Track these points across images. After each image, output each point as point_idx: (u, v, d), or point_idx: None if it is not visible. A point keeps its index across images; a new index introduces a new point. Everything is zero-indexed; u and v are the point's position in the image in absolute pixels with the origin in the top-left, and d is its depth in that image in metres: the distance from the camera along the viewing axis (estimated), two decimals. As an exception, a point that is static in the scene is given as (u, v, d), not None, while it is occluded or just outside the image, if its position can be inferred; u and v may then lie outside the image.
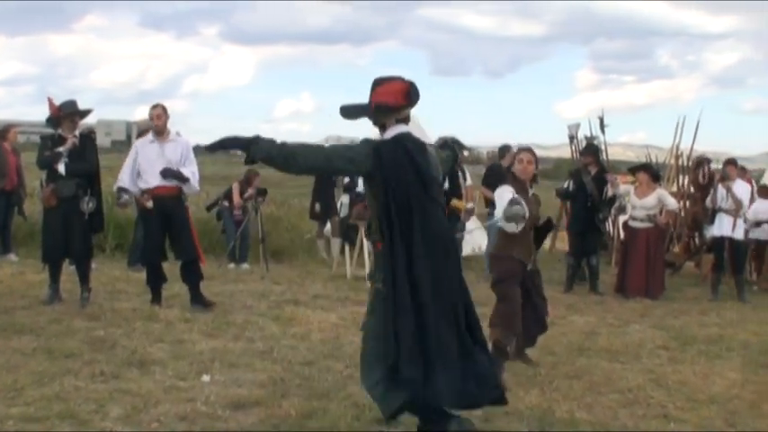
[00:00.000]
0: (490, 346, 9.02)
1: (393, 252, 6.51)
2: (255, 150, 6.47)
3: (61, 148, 11.59)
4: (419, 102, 6.92)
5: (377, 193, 6.62)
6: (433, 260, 6.57)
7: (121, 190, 12.07)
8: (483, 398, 6.81)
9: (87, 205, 11.66)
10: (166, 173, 11.83)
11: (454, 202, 14.76)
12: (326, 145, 7.18)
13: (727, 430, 7.76)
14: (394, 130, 6.80)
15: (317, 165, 6.67)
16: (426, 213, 6.61)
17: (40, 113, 12.25)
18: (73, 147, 11.60)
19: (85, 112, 12.14)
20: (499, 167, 16.69)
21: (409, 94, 6.77)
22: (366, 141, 6.72)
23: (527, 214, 8.79)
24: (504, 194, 9.02)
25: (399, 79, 6.80)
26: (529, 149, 9.45)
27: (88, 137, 12.08)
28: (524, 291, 9.31)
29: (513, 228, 8.78)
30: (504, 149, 17.21)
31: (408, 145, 6.74)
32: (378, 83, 6.82)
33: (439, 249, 6.63)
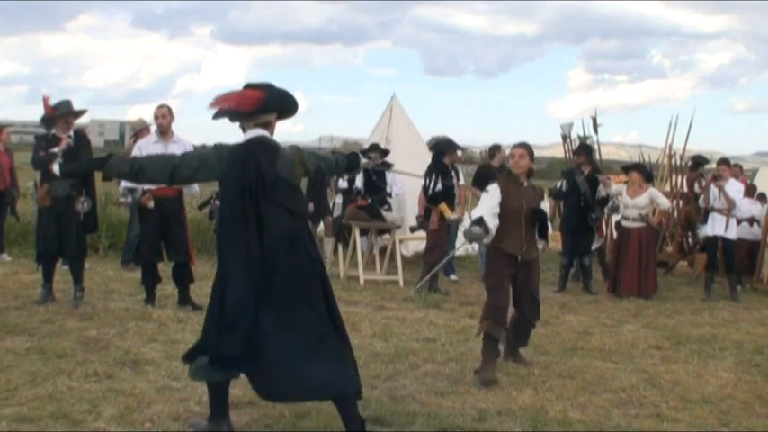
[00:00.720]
0: (481, 339, 9.11)
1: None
2: (109, 168, 6.95)
3: (56, 149, 11.56)
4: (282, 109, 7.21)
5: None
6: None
7: (130, 190, 12.10)
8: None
9: (82, 205, 11.65)
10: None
11: (443, 206, 14.76)
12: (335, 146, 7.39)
13: (721, 430, 7.79)
14: (249, 134, 7.04)
15: (165, 176, 6.95)
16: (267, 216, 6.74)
17: (33, 113, 12.35)
18: (67, 147, 11.59)
19: (80, 113, 12.13)
20: (489, 167, 16.75)
21: (262, 101, 6.93)
22: (218, 147, 7.03)
23: (490, 233, 9.14)
24: (484, 199, 9.36)
25: (260, 87, 7.05)
26: (522, 144, 9.59)
27: (83, 137, 12.08)
28: (516, 287, 9.39)
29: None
30: (494, 149, 17.28)
31: (255, 147, 6.91)
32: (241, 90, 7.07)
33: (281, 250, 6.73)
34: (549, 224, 9.89)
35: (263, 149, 6.89)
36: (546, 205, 9.77)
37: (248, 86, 7.05)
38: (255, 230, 6.62)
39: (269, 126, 7.07)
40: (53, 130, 11.82)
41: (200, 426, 7.02)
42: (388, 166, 15.91)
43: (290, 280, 6.66)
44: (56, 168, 11.47)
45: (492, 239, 9.28)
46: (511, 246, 9.25)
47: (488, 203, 9.28)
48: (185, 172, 6.84)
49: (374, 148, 17.00)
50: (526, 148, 9.55)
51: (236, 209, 6.68)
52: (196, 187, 12.44)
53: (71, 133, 11.81)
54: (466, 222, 15.89)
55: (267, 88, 7.02)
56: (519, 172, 9.44)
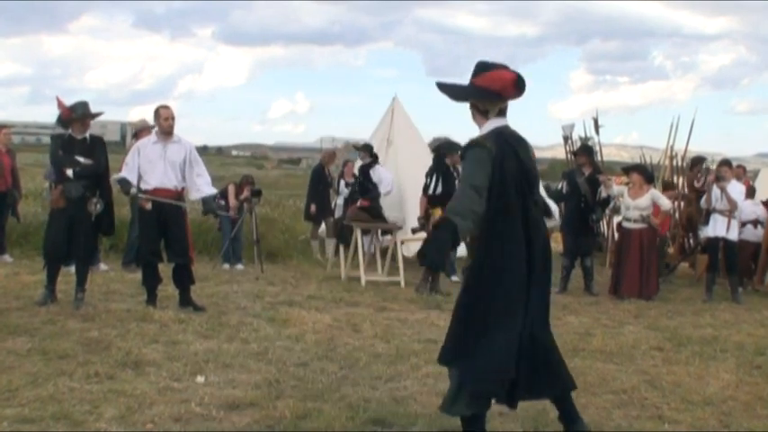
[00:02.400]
0: None
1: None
2: None
3: (81, 159, 11.58)
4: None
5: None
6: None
7: (126, 182, 12.05)
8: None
9: (95, 207, 11.63)
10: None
11: (438, 211, 14.76)
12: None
13: (722, 431, 7.77)
14: (494, 123, 6.67)
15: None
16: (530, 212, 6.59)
17: (35, 114, 12.46)
18: (86, 163, 11.62)
19: (96, 114, 12.15)
20: None
21: (516, 84, 6.62)
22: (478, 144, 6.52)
23: None
24: None
25: (505, 68, 6.69)
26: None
27: (99, 138, 12.10)
28: None
29: None
30: None
31: (510, 140, 6.62)
32: (484, 68, 6.71)
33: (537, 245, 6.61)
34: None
35: (517, 141, 6.68)
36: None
37: (482, 64, 6.73)
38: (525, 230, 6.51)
39: (505, 113, 6.77)
40: (69, 131, 11.84)
41: None
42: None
43: (543, 283, 6.85)
44: (69, 171, 11.54)
45: None
46: None
47: None
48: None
49: (364, 147, 17.05)
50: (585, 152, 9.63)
51: (509, 206, 6.45)
52: (211, 189, 12.42)
53: (87, 135, 11.83)
54: None
55: (508, 68, 6.70)
56: None
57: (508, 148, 6.50)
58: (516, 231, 6.44)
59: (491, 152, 6.38)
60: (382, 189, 17.19)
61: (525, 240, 6.49)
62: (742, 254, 16.37)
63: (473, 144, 6.52)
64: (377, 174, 17.26)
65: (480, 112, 6.69)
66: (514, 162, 6.49)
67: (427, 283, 14.55)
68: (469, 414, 6.66)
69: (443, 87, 6.87)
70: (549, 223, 9.24)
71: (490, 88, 6.58)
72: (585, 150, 16.94)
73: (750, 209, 16.76)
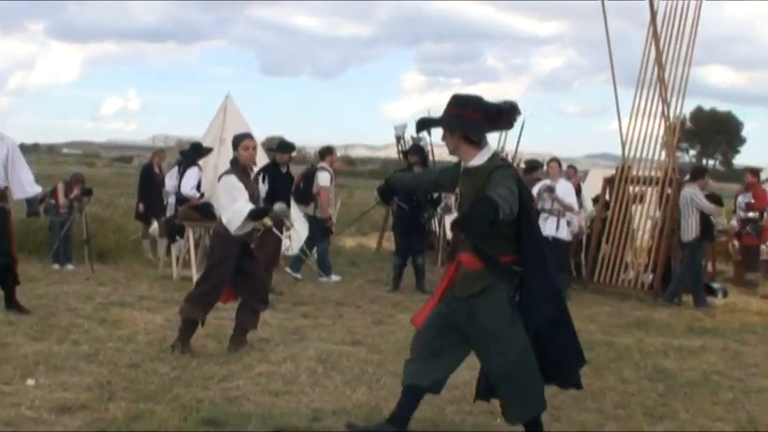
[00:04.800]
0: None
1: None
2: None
3: None
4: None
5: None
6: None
7: None
8: None
9: None
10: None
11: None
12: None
13: (553, 425, 7.93)
14: (489, 151, 6.95)
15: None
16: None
17: None
18: None
19: None
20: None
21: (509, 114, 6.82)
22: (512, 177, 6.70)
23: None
24: None
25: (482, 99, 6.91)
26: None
27: None
28: None
29: None
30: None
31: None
32: (460, 100, 6.93)
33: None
34: None
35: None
36: None
37: (456, 97, 6.95)
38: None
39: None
40: None
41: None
42: None
43: None
44: None
45: None
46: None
47: None
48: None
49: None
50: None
51: (535, 224, 7.17)
52: (35, 188, 12.17)
53: None
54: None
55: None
56: None
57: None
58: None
59: (514, 175, 6.72)
60: (181, 189, 16.89)
61: None
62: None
63: (501, 166, 6.76)
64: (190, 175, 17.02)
65: (472, 143, 6.86)
66: (524, 187, 6.79)
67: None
68: None
69: (426, 122, 7.16)
70: None
71: (478, 117, 6.77)
72: (417, 150, 17.14)
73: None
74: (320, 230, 16.97)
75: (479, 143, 6.84)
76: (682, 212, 16.33)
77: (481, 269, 6.82)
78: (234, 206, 9.89)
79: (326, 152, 17.40)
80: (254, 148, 10.32)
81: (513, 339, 6.72)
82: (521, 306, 6.75)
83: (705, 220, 16.32)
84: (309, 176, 17.02)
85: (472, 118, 6.77)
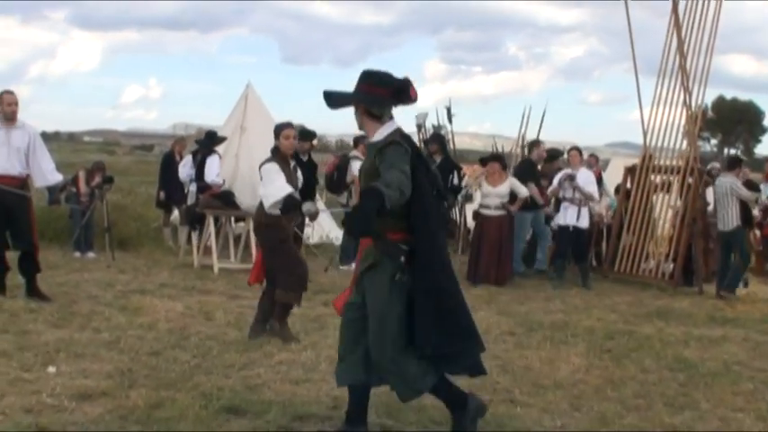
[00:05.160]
0: None
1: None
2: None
3: None
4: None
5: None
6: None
7: None
8: None
9: None
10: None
11: None
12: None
13: (573, 414, 7.95)
14: (392, 126, 6.87)
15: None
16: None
17: None
18: None
19: None
20: (530, 162, 17.36)
21: (410, 89, 6.85)
22: (396, 149, 6.63)
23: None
24: None
25: (391, 75, 6.91)
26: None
27: None
28: None
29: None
30: (533, 144, 17.62)
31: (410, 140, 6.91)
32: (373, 75, 6.89)
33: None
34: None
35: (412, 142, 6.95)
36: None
37: (369, 72, 6.92)
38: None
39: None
40: None
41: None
42: None
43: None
44: None
45: None
46: None
47: None
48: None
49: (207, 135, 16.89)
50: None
51: (428, 201, 6.73)
52: (57, 176, 12.24)
53: None
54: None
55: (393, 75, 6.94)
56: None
57: (412, 149, 6.76)
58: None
59: (408, 151, 6.63)
60: (205, 178, 16.84)
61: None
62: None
63: (392, 143, 6.64)
64: (209, 164, 16.93)
65: (374, 118, 6.83)
66: (421, 163, 6.78)
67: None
68: None
69: (331, 95, 7.00)
70: None
71: (385, 93, 6.79)
72: (437, 139, 17.16)
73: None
74: None
75: (381, 118, 6.80)
76: (720, 203, 16.23)
77: (371, 245, 6.78)
78: (275, 183, 10.01)
79: (360, 140, 17.36)
80: (295, 137, 10.54)
81: (389, 318, 6.61)
82: (413, 282, 6.63)
83: (745, 208, 16.27)
84: (343, 166, 16.99)
85: (378, 93, 6.77)
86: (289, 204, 9.99)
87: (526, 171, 17.35)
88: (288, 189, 9.99)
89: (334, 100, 7.00)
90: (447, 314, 6.68)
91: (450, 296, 6.74)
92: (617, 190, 19.01)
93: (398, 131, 6.81)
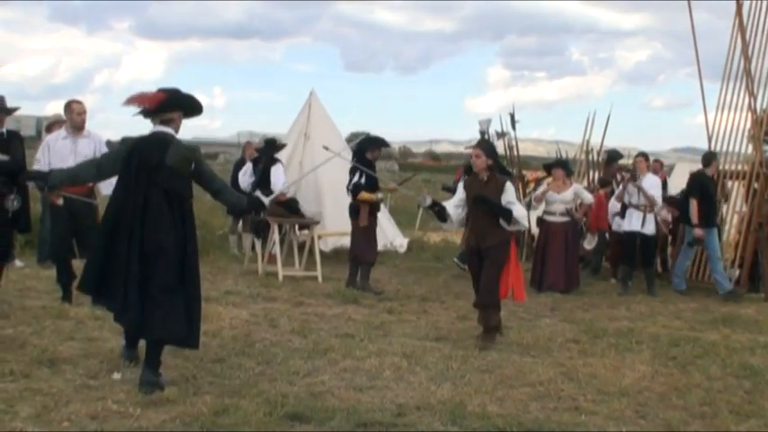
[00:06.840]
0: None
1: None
2: (51, 179, 8.87)
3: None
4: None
5: None
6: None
7: (41, 177, 11.79)
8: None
9: (12, 203, 11.40)
10: None
11: (363, 195, 14.77)
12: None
13: (638, 422, 7.89)
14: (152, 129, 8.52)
15: (92, 176, 9.12)
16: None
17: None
18: (2, 159, 11.33)
19: (13, 110, 11.85)
20: (703, 175, 16.97)
21: (163, 101, 8.37)
22: (124, 140, 8.73)
23: (449, 221, 11.13)
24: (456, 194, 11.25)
25: (165, 90, 8.50)
26: (478, 145, 11.35)
27: (15, 133, 11.84)
28: (479, 266, 10.90)
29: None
30: (710, 157, 17.10)
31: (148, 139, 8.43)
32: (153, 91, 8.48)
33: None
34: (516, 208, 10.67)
35: (155, 141, 8.32)
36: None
37: (159, 90, 8.44)
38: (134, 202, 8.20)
39: (171, 123, 8.48)
40: None
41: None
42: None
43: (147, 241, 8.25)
44: None
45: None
46: (470, 236, 11.25)
47: (454, 197, 11.23)
48: (107, 166, 8.64)
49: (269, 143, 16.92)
50: (480, 147, 11.00)
51: (120, 185, 8.39)
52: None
53: (4, 130, 11.58)
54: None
55: (170, 91, 8.48)
56: (477, 170, 10.83)
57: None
58: None
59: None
60: (272, 187, 16.78)
61: None
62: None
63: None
64: (276, 173, 16.86)
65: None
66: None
67: (355, 279, 14.66)
68: None
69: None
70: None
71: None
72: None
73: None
74: None
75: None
76: None
77: None
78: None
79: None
80: (477, 156, 10.97)
81: None
82: None
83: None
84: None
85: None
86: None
87: (703, 184, 16.58)
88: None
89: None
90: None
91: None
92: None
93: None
